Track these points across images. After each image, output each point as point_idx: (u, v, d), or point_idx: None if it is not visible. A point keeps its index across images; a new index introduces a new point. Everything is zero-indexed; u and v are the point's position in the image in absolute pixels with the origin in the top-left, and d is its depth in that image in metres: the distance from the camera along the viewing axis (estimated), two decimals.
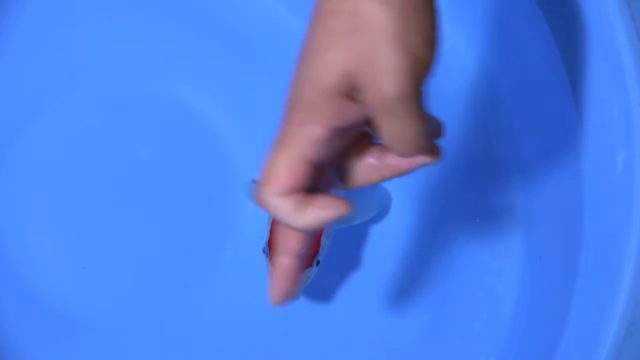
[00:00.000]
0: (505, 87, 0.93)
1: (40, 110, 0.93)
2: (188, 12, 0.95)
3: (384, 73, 0.46)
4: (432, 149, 0.53)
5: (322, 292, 0.91)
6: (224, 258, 0.91)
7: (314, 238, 0.78)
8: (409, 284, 0.92)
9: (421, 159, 0.53)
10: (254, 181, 0.88)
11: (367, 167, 0.54)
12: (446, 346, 0.90)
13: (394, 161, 0.54)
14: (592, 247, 0.80)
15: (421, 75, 0.47)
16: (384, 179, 0.55)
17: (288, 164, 0.50)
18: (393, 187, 0.92)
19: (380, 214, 0.92)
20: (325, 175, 0.53)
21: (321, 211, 0.50)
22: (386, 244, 0.92)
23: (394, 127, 0.48)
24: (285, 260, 0.56)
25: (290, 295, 0.57)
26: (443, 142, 0.91)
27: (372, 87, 0.46)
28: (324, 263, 0.82)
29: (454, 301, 0.91)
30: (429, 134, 0.50)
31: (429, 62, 0.47)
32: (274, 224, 0.79)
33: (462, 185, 0.93)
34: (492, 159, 0.94)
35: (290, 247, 0.56)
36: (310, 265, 0.79)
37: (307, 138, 0.49)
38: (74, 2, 0.95)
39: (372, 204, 0.90)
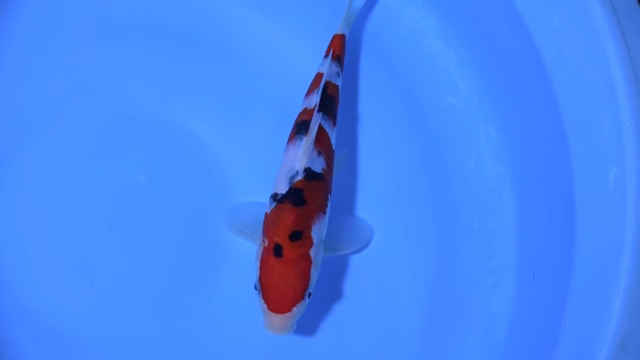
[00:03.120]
0: (497, 105, 0.94)
1: (37, 132, 0.93)
2: (183, 37, 0.96)
3: None
4: None
5: (315, 317, 0.92)
6: (220, 277, 0.92)
7: (304, 271, 0.79)
8: (403, 301, 0.92)
9: None
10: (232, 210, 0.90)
11: None
12: None
13: None
14: (585, 263, 0.80)
15: None
16: None
17: None
18: (383, 211, 0.94)
19: (364, 246, 0.92)
20: None
21: None
22: (379, 266, 0.93)
23: None
24: None
25: None
26: (435, 159, 0.93)
27: None
28: (315, 293, 0.82)
29: (449, 317, 0.92)
30: None
31: None
32: (262, 262, 0.80)
33: (454, 204, 0.94)
34: (485, 176, 0.94)
35: None
36: (303, 298, 0.79)
37: None
38: (72, 26, 0.96)
39: (359, 236, 0.91)
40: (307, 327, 0.91)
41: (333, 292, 0.92)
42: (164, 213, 0.93)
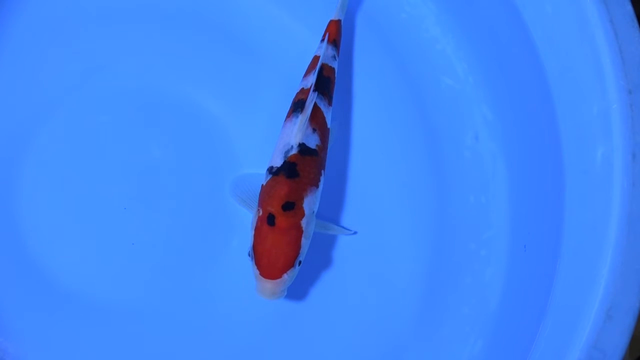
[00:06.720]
0: (492, 86, 0.96)
1: (57, 109, 0.95)
2: (195, 18, 0.98)
3: None
4: None
5: (317, 286, 0.94)
6: (230, 247, 0.94)
7: (295, 240, 0.82)
8: (402, 273, 0.94)
9: None
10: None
11: None
12: (437, 330, 0.93)
13: None
14: (573, 236, 0.82)
15: None
16: None
17: None
18: (385, 185, 0.96)
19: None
20: None
21: None
22: (379, 237, 0.95)
23: None
24: None
25: None
26: (433, 138, 0.96)
27: None
28: (309, 261, 0.86)
29: (444, 288, 0.94)
30: None
31: None
32: (256, 230, 0.83)
33: (451, 179, 0.96)
34: (480, 154, 0.96)
35: None
36: (293, 266, 0.83)
37: None
38: (89, 8, 0.97)
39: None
40: (309, 294, 0.93)
41: (333, 262, 0.94)
42: (177, 186, 0.94)
